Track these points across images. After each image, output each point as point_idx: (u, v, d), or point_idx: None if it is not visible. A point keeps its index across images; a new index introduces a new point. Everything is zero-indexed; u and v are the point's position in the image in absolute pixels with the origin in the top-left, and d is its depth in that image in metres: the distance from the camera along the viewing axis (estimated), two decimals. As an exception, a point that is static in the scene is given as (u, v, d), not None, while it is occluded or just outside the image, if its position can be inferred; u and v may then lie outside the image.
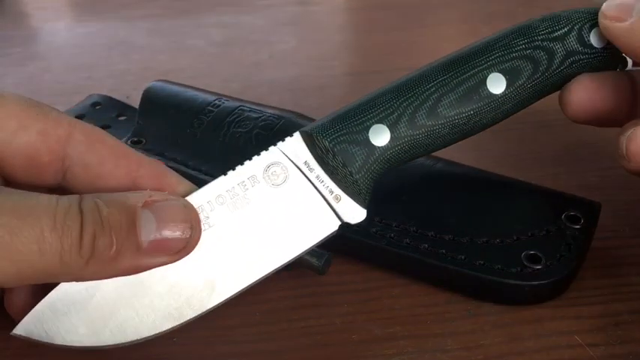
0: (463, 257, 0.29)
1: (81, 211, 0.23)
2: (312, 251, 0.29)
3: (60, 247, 0.22)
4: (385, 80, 0.29)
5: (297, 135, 0.29)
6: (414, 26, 0.59)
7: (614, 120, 0.31)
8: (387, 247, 0.30)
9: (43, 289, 0.26)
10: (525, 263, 0.29)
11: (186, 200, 0.26)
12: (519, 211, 0.31)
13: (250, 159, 0.28)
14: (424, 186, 0.30)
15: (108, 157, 0.27)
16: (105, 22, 0.63)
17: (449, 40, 0.56)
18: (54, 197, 0.23)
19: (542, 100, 0.30)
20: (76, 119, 0.28)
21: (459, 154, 0.34)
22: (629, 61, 0.31)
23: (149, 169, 0.28)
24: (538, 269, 0.29)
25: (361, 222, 0.28)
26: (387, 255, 0.30)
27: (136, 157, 0.28)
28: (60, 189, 0.28)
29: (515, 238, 0.30)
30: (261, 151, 0.28)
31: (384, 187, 0.30)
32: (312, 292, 0.30)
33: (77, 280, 0.25)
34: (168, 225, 0.24)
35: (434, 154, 0.31)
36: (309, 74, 0.51)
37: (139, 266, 0.25)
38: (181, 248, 0.25)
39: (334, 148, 0.28)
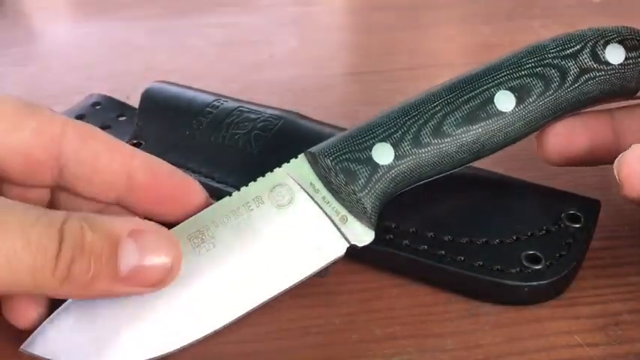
0: (462, 258, 0.29)
1: (61, 232, 0.23)
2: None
3: (32, 264, 0.22)
4: (385, 80, 0.29)
5: (301, 156, 0.29)
6: (414, 26, 0.59)
7: (598, 160, 0.31)
8: (385, 249, 0.30)
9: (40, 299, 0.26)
10: (525, 263, 0.29)
11: (171, 233, 0.26)
12: (518, 211, 0.31)
13: (255, 180, 0.28)
14: (422, 186, 0.30)
15: (102, 151, 0.27)
16: (105, 22, 0.63)
17: (449, 40, 0.56)
18: (35, 212, 0.23)
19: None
20: (69, 118, 0.28)
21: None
22: None
23: (142, 160, 0.28)
24: (537, 269, 0.28)
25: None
26: (385, 256, 0.30)
27: (129, 150, 0.28)
28: (58, 188, 0.28)
29: (514, 238, 0.30)
30: (261, 154, 0.28)
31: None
32: (312, 292, 0.30)
33: (51, 296, 0.25)
34: (150, 257, 0.24)
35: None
36: (309, 74, 0.51)
37: (114, 293, 0.24)
38: (159, 280, 0.25)
39: (336, 166, 0.28)
